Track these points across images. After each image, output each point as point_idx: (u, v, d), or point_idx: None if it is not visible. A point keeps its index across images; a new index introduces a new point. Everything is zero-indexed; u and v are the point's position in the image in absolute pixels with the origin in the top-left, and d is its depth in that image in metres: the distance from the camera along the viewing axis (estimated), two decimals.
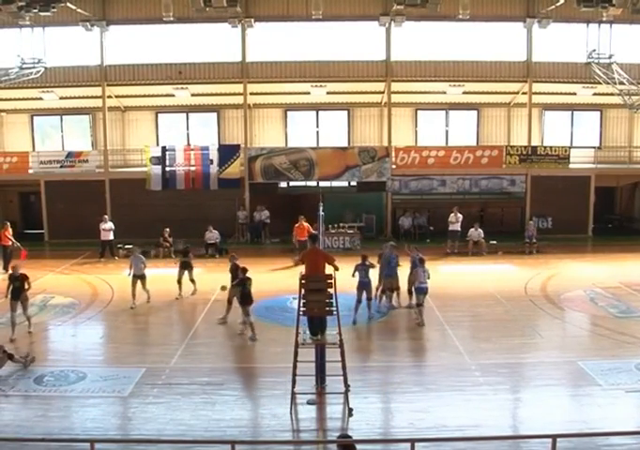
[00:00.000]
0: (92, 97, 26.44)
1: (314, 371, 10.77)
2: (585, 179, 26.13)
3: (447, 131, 28.42)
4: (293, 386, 10.23)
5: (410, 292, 15.85)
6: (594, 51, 25.00)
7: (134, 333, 14.96)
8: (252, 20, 25.00)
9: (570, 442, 8.70)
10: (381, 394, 11.28)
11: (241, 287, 14.23)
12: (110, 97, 26.40)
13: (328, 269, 11.19)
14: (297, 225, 21.67)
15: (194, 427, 9.71)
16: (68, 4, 22.71)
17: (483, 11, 24.97)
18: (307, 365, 10.50)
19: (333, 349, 10.44)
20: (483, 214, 26.95)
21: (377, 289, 16.03)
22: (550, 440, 7.53)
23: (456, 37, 25.57)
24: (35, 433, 9.35)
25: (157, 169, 25.70)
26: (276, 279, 19.01)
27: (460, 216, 23.03)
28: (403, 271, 16.35)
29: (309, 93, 26.82)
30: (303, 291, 10.67)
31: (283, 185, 27.11)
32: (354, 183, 26.56)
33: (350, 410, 10.01)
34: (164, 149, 25.84)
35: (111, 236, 22.39)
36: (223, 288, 15.07)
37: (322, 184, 26.56)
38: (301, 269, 11.41)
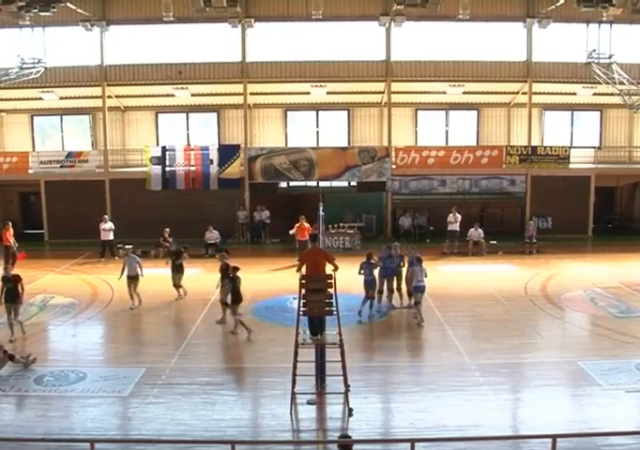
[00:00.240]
0: (92, 97, 26.44)
1: (314, 371, 10.77)
2: (585, 179, 26.13)
3: (447, 131, 28.41)
4: (293, 386, 10.23)
5: (409, 293, 15.86)
6: (594, 51, 25.00)
7: (134, 333, 14.97)
8: (252, 20, 25.00)
9: (570, 442, 8.71)
10: (381, 394, 11.28)
11: (231, 285, 14.25)
12: (110, 97, 26.40)
13: (328, 268, 11.23)
14: (297, 225, 21.64)
15: (194, 427, 9.71)
16: (68, 4, 22.71)
17: (483, 11, 24.96)
18: (307, 365, 10.51)
19: (333, 349, 10.44)
20: (483, 214, 26.94)
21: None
22: (550, 440, 7.54)
23: (456, 37, 25.56)
24: (35, 433, 9.35)
25: (157, 169, 25.70)
26: (276, 279, 19.01)
27: (458, 216, 23.03)
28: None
29: (309, 93, 26.82)
30: (303, 291, 10.68)
31: (283, 185, 27.11)
32: (354, 183, 26.56)
33: (350, 410, 10.01)
34: (164, 149, 25.84)
35: (111, 236, 22.39)
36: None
37: (322, 184, 26.56)
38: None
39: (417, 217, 25.90)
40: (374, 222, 26.06)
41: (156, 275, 17.97)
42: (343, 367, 10.25)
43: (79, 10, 23.91)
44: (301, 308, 10.64)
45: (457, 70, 25.69)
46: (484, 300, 16.82)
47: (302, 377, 10.32)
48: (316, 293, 10.70)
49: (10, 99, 27.01)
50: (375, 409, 10.61)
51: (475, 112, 28.34)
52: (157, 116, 28.47)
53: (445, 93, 26.78)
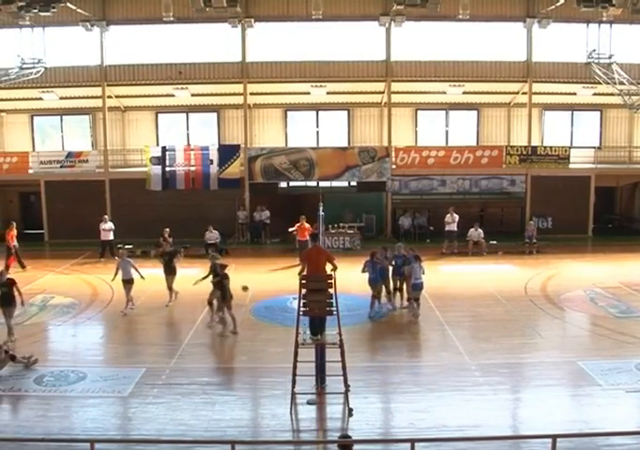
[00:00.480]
0: (92, 97, 26.43)
1: (314, 371, 10.77)
2: (585, 179, 26.12)
3: (447, 131, 28.41)
4: (293, 386, 10.23)
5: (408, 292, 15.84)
6: (594, 51, 24.98)
7: (134, 333, 14.96)
8: (252, 20, 25.00)
9: (570, 443, 8.70)
10: (381, 394, 11.28)
11: (220, 283, 14.30)
12: (110, 97, 26.39)
13: (328, 268, 11.24)
14: (298, 225, 21.63)
15: (194, 427, 9.71)
16: (68, 4, 22.70)
17: (483, 11, 24.96)
18: (307, 365, 10.51)
19: (333, 349, 10.44)
20: (483, 214, 26.93)
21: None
22: (550, 440, 7.54)
23: (456, 37, 25.55)
24: (35, 433, 9.36)
25: (157, 169, 25.69)
26: (276, 279, 19.02)
27: (456, 216, 23.02)
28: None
29: (309, 93, 26.82)
30: (303, 290, 10.68)
31: (283, 185, 27.11)
32: (354, 183, 26.56)
33: (350, 410, 10.01)
34: (164, 149, 25.83)
35: (111, 236, 22.37)
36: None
37: (322, 184, 26.55)
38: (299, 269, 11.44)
39: (417, 217, 25.89)
40: (374, 222, 26.06)
41: (156, 275, 17.91)
42: (343, 367, 10.25)
43: (79, 10, 23.91)
44: (301, 308, 10.65)
45: (457, 70, 25.68)
46: (484, 300, 16.82)
47: (302, 377, 10.32)
48: (316, 293, 10.70)
49: (10, 99, 27.00)
50: (375, 409, 10.60)
51: (475, 112, 28.33)
52: (157, 116, 28.47)
53: (445, 93, 26.77)
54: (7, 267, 19.57)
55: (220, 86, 26.42)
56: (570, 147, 26.40)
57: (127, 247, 21.95)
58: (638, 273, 19.83)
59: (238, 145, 26.23)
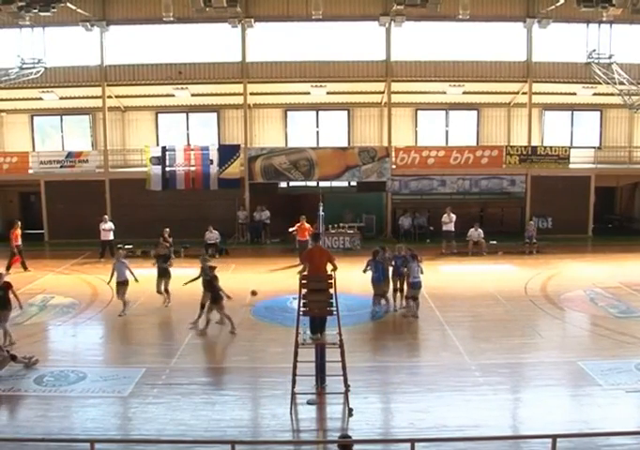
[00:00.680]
0: (92, 97, 26.44)
1: (314, 371, 10.76)
2: (585, 179, 26.12)
3: (447, 131, 28.41)
4: (293, 386, 10.23)
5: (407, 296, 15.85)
6: (594, 51, 24.98)
7: (134, 333, 14.95)
8: (252, 20, 25.00)
9: (570, 443, 8.70)
10: (381, 394, 11.27)
11: (209, 284, 14.31)
12: (110, 97, 26.40)
13: (328, 268, 11.25)
14: (298, 225, 21.63)
15: (194, 427, 9.70)
16: (68, 4, 22.71)
17: (483, 11, 24.96)
18: (307, 365, 10.50)
19: (333, 349, 10.44)
20: (483, 214, 26.94)
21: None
22: (550, 440, 7.53)
23: (456, 37, 25.55)
24: (35, 433, 9.35)
25: (157, 169, 25.69)
26: (276, 279, 19.01)
27: (453, 216, 23.01)
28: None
29: (309, 93, 26.82)
30: (303, 290, 10.68)
31: (283, 185, 27.12)
32: (354, 183, 26.56)
33: (350, 410, 10.01)
34: (164, 149, 25.83)
35: (111, 236, 22.36)
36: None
37: (322, 184, 26.55)
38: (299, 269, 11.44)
39: (417, 217, 25.89)
40: (374, 222, 26.06)
41: (155, 275, 17.90)
42: (343, 367, 10.25)
43: (79, 10, 23.92)
44: (301, 308, 10.65)
45: (457, 70, 25.68)
46: (484, 300, 16.81)
47: (302, 377, 10.32)
48: (316, 293, 10.70)
49: (10, 99, 27.00)
50: (375, 409, 10.60)
51: (475, 112, 28.34)
52: (157, 116, 28.47)
53: (445, 93, 26.77)
54: (9, 267, 19.62)
55: (220, 86, 26.42)
56: (570, 147, 26.41)
57: (127, 247, 21.96)
58: (638, 273, 19.82)
59: (238, 145, 26.23)
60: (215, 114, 28.37)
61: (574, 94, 26.93)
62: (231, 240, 24.94)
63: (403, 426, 9.72)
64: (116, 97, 26.94)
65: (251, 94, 26.43)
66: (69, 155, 26.30)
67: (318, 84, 26.15)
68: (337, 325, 10.49)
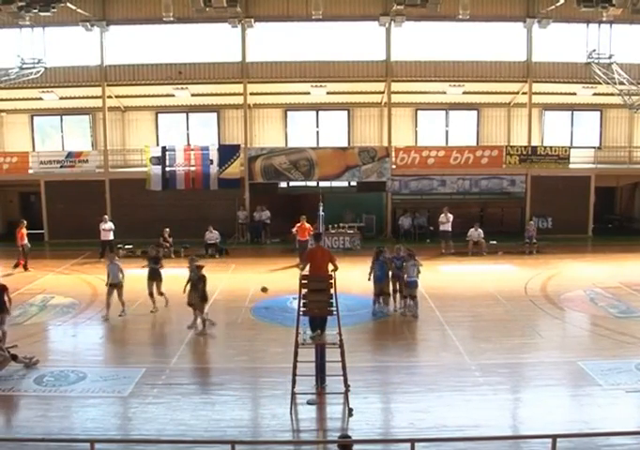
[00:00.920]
0: (92, 98, 26.44)
1: (314, 371, 10.76)
2: (585, 179, 26.12)
3: (447, 131, 28.41)
4: (293, 386, 10.22)
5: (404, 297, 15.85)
6: (594, 51, 24.99)
7: (134, 333, 14.93)
8: (252, 20, 25.00)
9: (570, 443, 8.70)
10: (381, 394, 11.27)
11: (194, 285, 14.34)
12: (110, 97, 26.40)
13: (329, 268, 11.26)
14: (298, 225, 21.62)
15: (194, 427, 9.70)
16: (68, 4, 22.71)
17: (483, 11, 24.97)
18: (307, 365, 10.50)
19: (333, 349, 10.44)
20: (483, 214, 26.94)
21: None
22: (550, 440, 7.52)
23: (456, 37, 25.55)
24: (35, 433, 9.35)
25: (157, 169, 25.69)
26: (276, 279, 18.98)
27: (450, 216, 23.00)
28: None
29: (309, 93, 26.82)
30: (303, 290, 10.68)
31: (283, 185, 27.12)
32: (354, 183, 26.57)
33: (350, 410, 10.00)
34: (164, 149, 25.83)
35: (111, 236, 22.33)
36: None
37: (322, 184, 26.56)
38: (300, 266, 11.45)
39: (417, 217, 25.90)
40: (374, 222, 26.06)
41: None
42: (343, 367, 10.25)
43: (79, 10, 23.92)
44: (301, 308, 10.65)
45: (457, 70, 25.69)
46: (484, 300, 16.81)
47: (302, 377, 10.31)
48: (316, 293, 10.70)
49: (10, 99, 27.00)
50: (375, 409, 10.60)
51: (475, 112, 28.34)
52: (157, 116, 28.47)
53: (445, 93, 26.77)
54: (17, 266, 19.79)
55: (220, 86, 26.42)
56: (570, 147, 26.41)
57: (127, 247, 22.02)
58: (638, 273, 19.82)
59: (238, 145, 26.23)
60: (215, 114, 28.37)
61: (574, 94, 26.93)
62: (231, 240, 24.94)
63: (403, 426, 9.71)
64: (116, 97, 26.94)
65: (251, 94, 26.43)
66: (69, 155, 26.29)
67: (318, 84, 26.15)
68: (337, 325, 10.49)
